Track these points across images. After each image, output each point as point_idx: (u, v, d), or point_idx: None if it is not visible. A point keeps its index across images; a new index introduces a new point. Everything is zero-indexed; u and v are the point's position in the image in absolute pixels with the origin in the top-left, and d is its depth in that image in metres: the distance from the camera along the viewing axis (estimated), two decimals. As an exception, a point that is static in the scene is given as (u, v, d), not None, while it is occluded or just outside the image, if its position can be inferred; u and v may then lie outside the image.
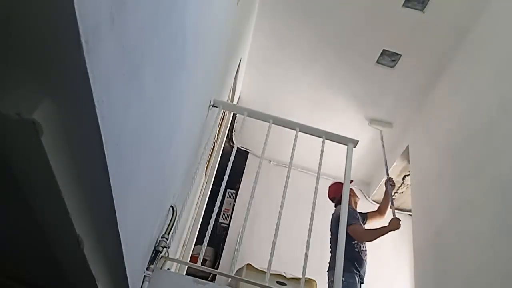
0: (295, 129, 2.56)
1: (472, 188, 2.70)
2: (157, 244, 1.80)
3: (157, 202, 1.62)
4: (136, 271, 1.54)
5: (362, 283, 3.21)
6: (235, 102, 4.47)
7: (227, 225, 4.71)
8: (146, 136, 1.16)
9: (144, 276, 1.70)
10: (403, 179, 4.75)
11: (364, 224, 3.50)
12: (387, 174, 3.84)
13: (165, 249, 1.82)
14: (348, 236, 2.79)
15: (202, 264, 2.07)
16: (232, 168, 2.32)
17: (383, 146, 4.23)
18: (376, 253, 4.77)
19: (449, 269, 2.75)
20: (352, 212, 3.28)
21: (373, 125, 4.55)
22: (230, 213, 4.78)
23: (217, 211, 2.15)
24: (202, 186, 3.64)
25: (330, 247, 3.33)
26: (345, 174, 2.42)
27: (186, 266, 3.04)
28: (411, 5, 3.47)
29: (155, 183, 1.47)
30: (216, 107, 2.52)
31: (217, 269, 3.95)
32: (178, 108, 1.52)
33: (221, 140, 4.42)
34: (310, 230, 2.16)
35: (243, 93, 4.84)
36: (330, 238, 3.37)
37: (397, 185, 4.91)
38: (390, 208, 3.49)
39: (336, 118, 4.56)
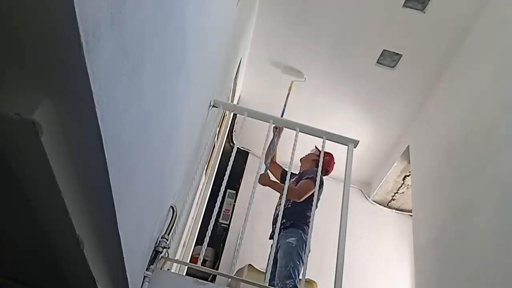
0: (295, 129, 2.56)
1: (472, 188, 2.70)
2: (157, 245, 1.80)
3: (157, 202, 1.62)
4: (136, 272, 1.54)
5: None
6: (235, 102, 4.47)
7: (227, 226, 4.71)
8: (146, 136, 1.16)
9: (144, 276, 1.70)
10: (403, 179, 4.75)
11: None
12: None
13: (165, 249, 1.82)
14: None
15: (202, 265, 2.07)
16: (232, 168, 2.32)
17: (288, 95, 4.14)
18: (376, 253, 4.78)
19: (449, 269, 2.75)
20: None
21: (286, 73, 4.33)
22: (230, 213, 4.78)
23: (217, 211, 2.15)
24: (202, 186, 3.64)
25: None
26: (345, 174, 2.42)
27: (186, 267, 3.04)
28: (411, 5, 3.48)
29: (155, 183, 1.47)
30: (216, 107, 2.52)
31: (217, 269, 3.95)
32: (178, 108, 1.52)
33: (221, 140, 4.42)
34: (310, 230, 2.16)
35: (243, 93, 4.84)
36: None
37: (397, 186, 4.91)
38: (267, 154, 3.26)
39: (336, 118, 4.56)
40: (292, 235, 2.74)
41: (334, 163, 3.28)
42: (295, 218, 2.78)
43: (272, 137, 3.38)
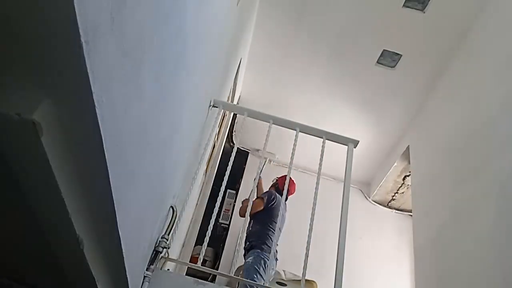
0: (295, 129, 2.56)
1: (472, 188, 2.70)
2: (157, 245, 1.80)
3: (157, 202, 1.62)
4: (136, 272, 1.54)
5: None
6: (235, 102, 4.47)
7: (227, 226, 4.70)
8: (146, 136, 1.16)
9: (144, 276, 1.70)
10: (403, 179, 4.75)
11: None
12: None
13: (165, 249, 1.82)
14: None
15: (202, 265, 2.06)
16: (232, 168, 2.32)
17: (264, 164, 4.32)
18: (376, 253, 4.78)
19: (449, 269, 2.75)
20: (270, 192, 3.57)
21: (259, 155, 4.82)
22: (230, 213, 4.78)
23: (217, 211, 2.15)
24: (202, 186, 3.64)
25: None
26: (345, 175, 2.42)
27: (186, 267, 3.04)
28: (411, 5, 3.48)
29: (155, 183, 1.47)
30: (216, 107, 2.52)
31: (217, 269, 3.95)
32: (178, 108, 1.52)
33: (221, 140, 4.42)
34: (310, 230, 2.16)
35: (243, 93, 4.84)
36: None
37: (397, 186, 4.91)
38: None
39: (336, 118, 4.56)
40: (250, 256, 3.15)
41: (294, 184, 3.72)
42: (253, 240, 3.20)
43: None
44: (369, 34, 3.83)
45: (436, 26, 3.54)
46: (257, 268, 3.04)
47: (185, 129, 1.76)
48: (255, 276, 2.99)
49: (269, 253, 3.12)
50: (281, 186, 3.54)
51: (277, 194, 3.54)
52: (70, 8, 0.60)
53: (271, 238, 3.22)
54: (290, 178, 3.42)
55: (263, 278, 3.00)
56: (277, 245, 3.23)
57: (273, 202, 3.46)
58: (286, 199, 3.50)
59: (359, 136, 2.72)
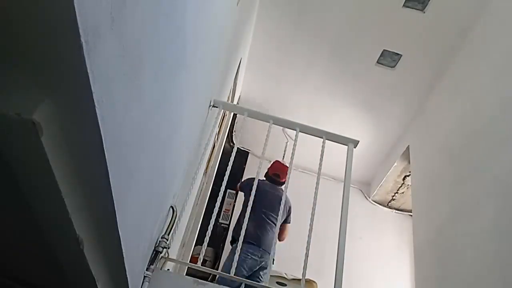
0: (295, 129, 2.56)
1: (472, 188, 2.70)
2: (157, 245, 1.80)
3: (157, 202, 1.62)
4: (136, 272, 1.54)
5: None
6: (235, 102, 4.47)
7: (227, 225, 4.70)
8: (146, 136, 1.16)
9: (144, 276, 1.70)
10: (403, 179, 4.75)
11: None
12: None
13: (165, 249, 1.82)
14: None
15: (202, 265, 2.06)
16: (232, 168, 2.32)
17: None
18: (376, 253, 4.78)
19: (449, 269, 2.75)
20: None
21: None
22: (230, 213, 4.78)
23: (217, 211, 2.15)
24: (202, 186, 3.64)
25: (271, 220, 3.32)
26: (345, 174, 2.42)
27: (186, 267, 3.04)
28: (411, 5, 3.48)
29: (155, 183, 1.47)
30: (216, 107, 2.52)
31: (217, 269, 3.95)
32: (178, 108, 1.52)
33: (221, 140, 4.42)
34: (310, 230, 2.16)
35: (243, 93, 4.84)
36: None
37: (397, 186, 4.91)
38: None
39: (336, 118, 4.56)
40: (232, 252, 3.12)
41: (281, 164, 3.67)
42: (234, 233, 3.21)
43: None
44: (369, 34, 3.83)
45: (436, 26, 3.54)
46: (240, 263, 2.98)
47: (185, 129, 1.76)
48: (242, 269, 2.96)
49: (247, 243, 3.04)
50: (271, 171, 3.64)
51: (256, 180, 3.40)
52: (70, 8, 0.60)
53: (242, 227, 3.20)
54: (277, 160, 3.52)
55: (244, 269, 2.96)
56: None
57: (246, 188, 3.36)
58: (282, 184, 3.51)
59: (359, 136, 2.72)
